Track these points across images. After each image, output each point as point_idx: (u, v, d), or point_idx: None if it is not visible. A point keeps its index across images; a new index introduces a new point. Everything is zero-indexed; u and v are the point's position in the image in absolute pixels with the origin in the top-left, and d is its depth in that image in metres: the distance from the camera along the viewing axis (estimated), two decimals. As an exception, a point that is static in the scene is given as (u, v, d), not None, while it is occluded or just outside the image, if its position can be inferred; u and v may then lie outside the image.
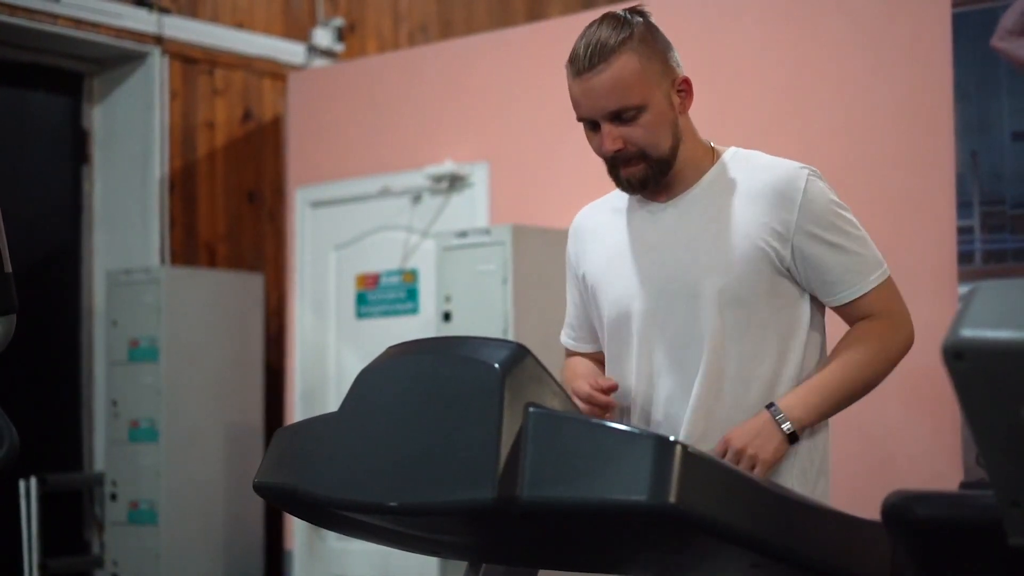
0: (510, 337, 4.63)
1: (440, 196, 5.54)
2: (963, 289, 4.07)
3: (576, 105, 2.35)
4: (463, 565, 2.28)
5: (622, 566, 2.19)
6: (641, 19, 2.34)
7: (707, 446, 2.30)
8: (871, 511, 1.83)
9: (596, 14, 2.39)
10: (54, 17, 5.66)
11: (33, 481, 5.38)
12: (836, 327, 2.43)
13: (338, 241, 5.87)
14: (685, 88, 2.37)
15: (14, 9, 5.54)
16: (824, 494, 2.39)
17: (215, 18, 6.20)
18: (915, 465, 4.21)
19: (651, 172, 2.35)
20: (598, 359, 2.56)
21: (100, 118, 6.16)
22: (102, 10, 5.78)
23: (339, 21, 6.55)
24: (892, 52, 4.39)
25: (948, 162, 4.18)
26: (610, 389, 2.35)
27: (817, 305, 2.40)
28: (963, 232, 4.12)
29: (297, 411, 5.85)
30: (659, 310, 2.37)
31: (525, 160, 5.32)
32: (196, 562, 5.68)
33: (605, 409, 2.35)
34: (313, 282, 5.94)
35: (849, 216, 2.37)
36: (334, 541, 5.62)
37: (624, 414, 2.42)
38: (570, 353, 2.64)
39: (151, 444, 5.59)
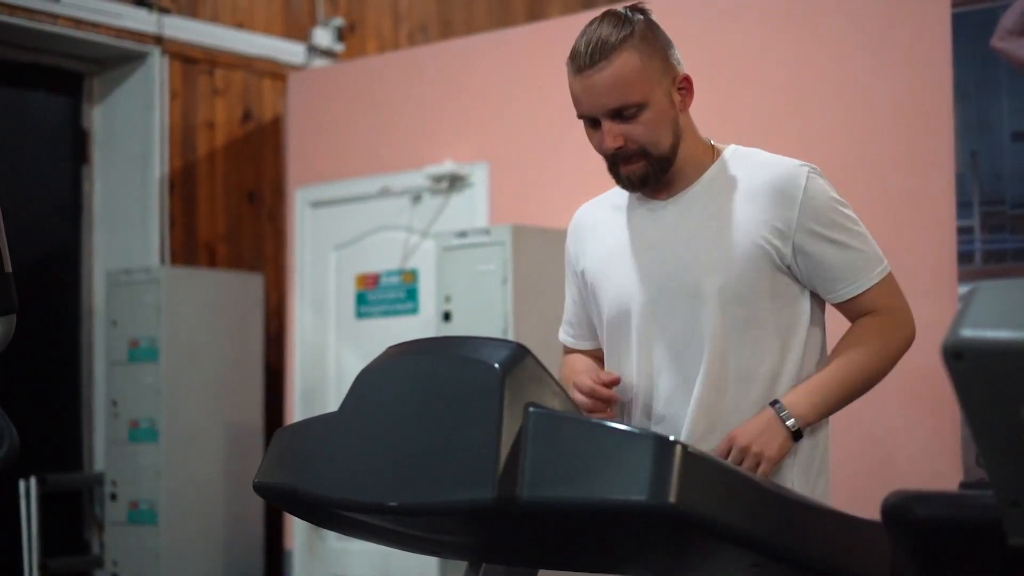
0: (510, 337, 4.63)
1: (440, 196, 5.54)
2: (963, 289, 4.07)
3: (577, 102, 2.35)
4: (463, 565, 2.28)
5: (622, 566, 2.19)
6: (642, 17, 2.34)
7: (709, 444, 2.31)
8: (871, 511, 1.83)
9: (596, 14, 2.39)
10: (54, 17, 5.66)
11: (33, 481, 5.38)
12: (836, 324, 2.43)
13: (338, 241, 5.87)
14: (686, 86, 2.37)
15: (14, 9, 5.54)
16: (824, 492, 2.39)
17: (215, 18, 6.20)
18: (915, 465, 4.21)
19: (651, 170, 2.35)
20: (597, 356, 2.56)
21: (100, 118, 6.16)
22: (102, 10, 5.78)
23: (339, 21, 6.55)
24: (892, 52, 4.39)
25: (948, 162, 4.18)
26: (612, 383, 2.36)
27: (817, 302, 2.40)
28: (963, 232, 4.12)
29: (297, 411, 5.85)
30: (659, 308, 2.37)
31: (525, 160, 5.32)
32: (196, 562, 5.68)
33: (607, 403, 2.35)
34: (313, 282, 5.94)
35: (850, 213, 2.37)
36: (334, 541, 5.62)
37: (624, 412, 2.42)
38: (568, 350, 2.64)
39: (151, 444, 5.59)
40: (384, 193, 5.71)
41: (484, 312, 4.78)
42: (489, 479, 1.84)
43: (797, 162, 2.37)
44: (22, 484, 5.37)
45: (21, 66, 5.91)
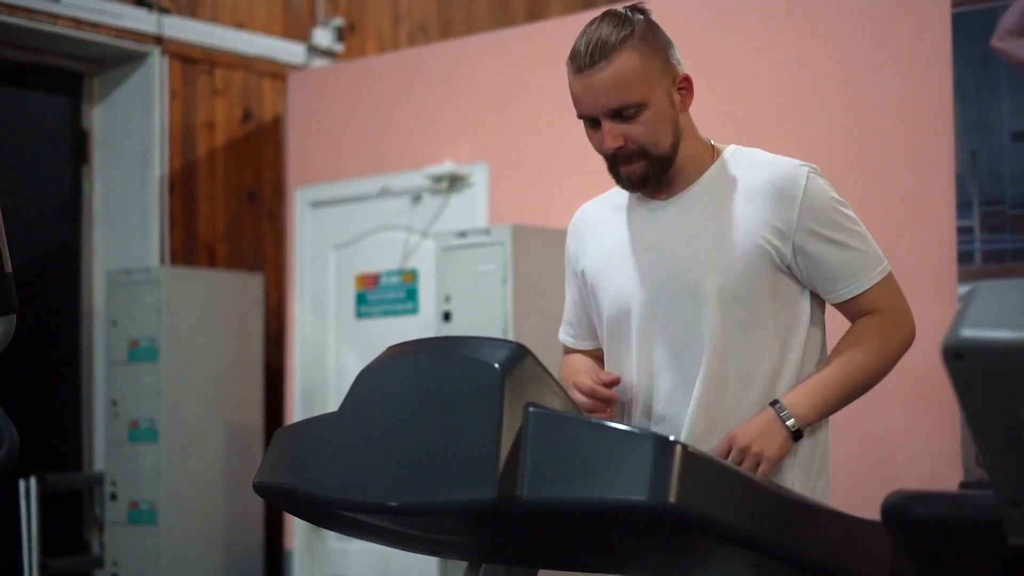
0: (510, 337, 4.63)
1: (440, 196, 5.54)
2: (963, 289, 4.07)
3: (577, 102, 2.35)
4: (463, 565, 2.28)
5: (622, 566, 2.19)
6: (642, 17, 2.34)
7: (710, 444, 2.31)
8: (871, 511, 1.83)
9: (596, 14, 2.39)
10: (54, 17, 5.66)
11: (33, 481, 5.38)
12: (837, 324, 2.43)
13: (338, 241, 5.87)
14: (686, 86, 2.37)
15: (14, 9, 5.54)
16: (824, 492, 2.39)
17: (215, 18, 6.20)
18: (915, 465, 4.21)
19: (651, 170, 2.35)
20: (597, 356, 2.56)
21: (100, 118, 6.16)
22: (102, 10, 5.78)
23: (339, 21, 6.55)
24: (892, 52, 4.39)
25: (948, 162, 4.18)
26: (612, 383, 2.36)
27: (817, 301, 2.40)
28: (963, 232, 4.12)
29: (297, 411, 5.85)
30: (659, 308, 2.37)
31: (525, 160, 5.32)
32: (196, 562, 5.68)
33: (607, 403, 2.35)
34: (313, 282, 5.94)
35: (850, 213, 2.38)
36: (334, 541, 5.62)
37: (624, 412, 2.42)
38: (568, 350, 2.64)
39: (151, 444, 5.59)
40: (384, 193, 5.71)
41: (484, 312, 4.78)
42: (489, 479, 1.84)
43: (797, 162, 2.38)
44: (22, 484, 5.37)
45: (21, 66, 5.91)
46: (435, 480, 1.90)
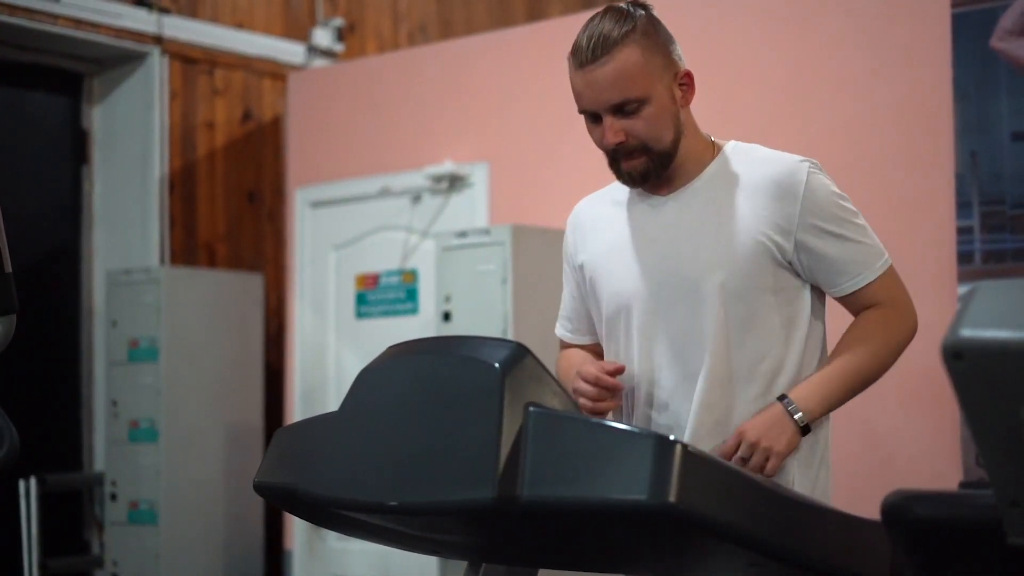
0: (510, 337, 4.63)
1: (440, 196, 5.54)
2: (963, 289, 4.07)
3: (578, 97, 2.35)
4: (463, 565, 2.28)
5: (622, 566, 2.19)
6: (644, 12, 2.34)
7: (714, 441, 2.31)
8: (871, 511, 1.83)
9: (596, 13, 2.39)
10: (54, 17, 5.66)
11: (33, 481, 5.38)
12: (837, 321, 2.44)
13: (338, 241, 5.87)
14: (687, 81, 2.37)
15: (14, 9, 5.54)
16: (825, 484, 2.39)
17: (215, 18, 6.20)
18: (915, 465, 4.21)
19: (652, 165, 2.35)
20: (594, 351, 2.56)
21: (100, 118, 6.16)
22: (102, 10, 5.78)
23: (339, 21, 6.55)
24: (892, 52, 4.39)
25: (948, 162, 4.18)
26: (617, 372, 2.35)
27: (818, 295, 2.41)
28: (963, 232, 4.12)
29: (297, 411, 5.85)
30: (660, 304, 2.37)
31: (525, 160, 5.32)
32: (196, 562, 5.68)
33: (612, 392, 2.35)
34: (313, 282, 5.94)
35: (850, 206, 2.38)
36: (334, 541, 5.62)
37: (625, 408, 2.42)
38: (565, 345, 2.64)
39: (151, 444, 5.59)
40: (384, 193, 5.71)
41: (484, 312, 4.78)
42: (489, 479, 1.84)
43: (797, 158, 2.38)
44: (22, 484, 5.37)
45: (21, 66, 5.91)
46: (435, 480, 1.90)
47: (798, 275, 2.37)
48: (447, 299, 4.90)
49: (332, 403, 5.54)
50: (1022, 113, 4.04)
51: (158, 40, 5.97)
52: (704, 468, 1.84)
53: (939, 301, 4.03)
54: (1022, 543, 1.44)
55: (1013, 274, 4.01)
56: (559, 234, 2.64)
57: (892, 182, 4.32)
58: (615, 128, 2.32)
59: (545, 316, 2.96)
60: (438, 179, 5.48)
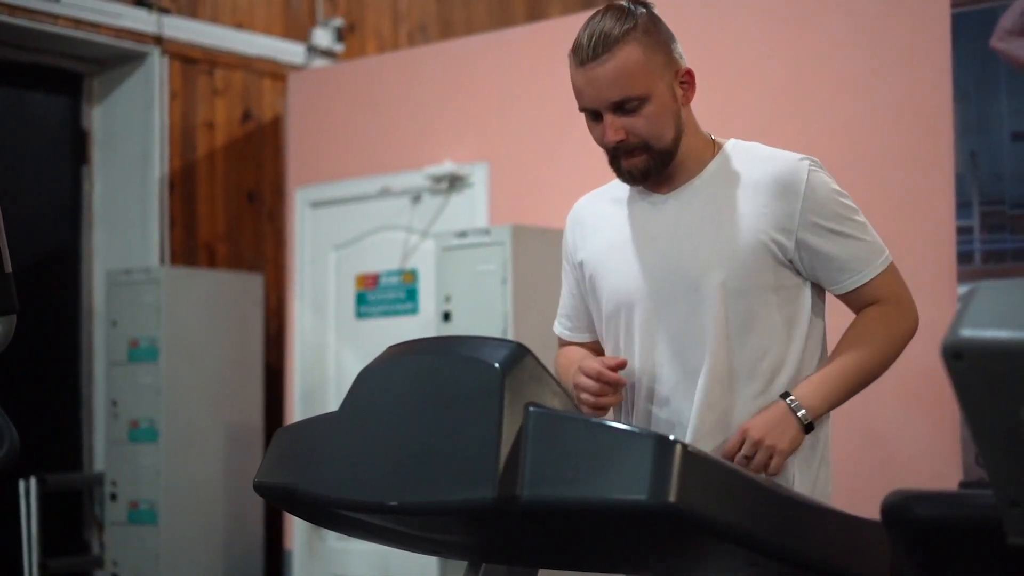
0: (510, 337, 4.63)
1: (440, 196, 5.54)
2: (963, 289, 4.07)
3: (579, 95, 2.35)
4: (463, 565, 2.28)
5: (622, 566, 2.19)
6: (644, 10, 2.34)
7: (716, 439, 2.31)
8: (871, 511, 1.83)
9: (596, 13, 2.39)
10: (54, 17, 5.66)
11: (33, 481, 5.38)
12: (837, 318, 2.43)
13: (338, 241, 5.87)
14: (688, 80, 2.37)
15: (14, 9, 5.54)
16: (826, 482, 2.39)
17: (215, 18, 6.20)
18: (915, 465, 4.21)
19: (653, 163, 2.35)
20: (593, 349, 2.56)
21: (100, 118, 6.16)
22: (102, 10, 5.79)
23: (339, 21, 6.55)
24: (892, 52, 4.39)
25: (948, 162, 4.18)
26: (619, 366, 2.35)
27: (818, 292, 2.41)
28: (963, 232, 4.12)
29: (297, 411, 5.85)
30: (661, 302, 2.37)
31: (525, 160, 5.32)
32: (196, 562, 5.68)
33: (614, 387, 2.35)
34: (313, 282, 5.94)
35: (851, 204, 2.38)
36: (334, 541, 5.62)
37: (625, 407, 2.42)
38: (563, 343, 2.63)
39: (151, 444, 5.59)
40: (384, 193, 5.71)
41: (484, 312, 4.78)
42: (489, 479, 1.84)
43: (798, 156, 2.38)
44: (22, 484, 5.37)
45: (21, 66, 5.91)
46: (435, 480, 1.90)
47: (799, 273, 2.37)
48: (447, 299, 4.90)
49: (332, 403, 5.54)
50: (1022, 113, 4.04)
51: (158, 40, 5.97)
52: (704, 468, 1.84)
53: (939, 301, 4.03)
54: (1022, 543, 1.44)
55: (1013, 274, 4.01)
56: (559, 234, 2.64)
57: (892, 182, 4.32)
58: (616, 126, 2.31)
59: (545, 316, 2.96)
60: (438, 179, 5.48)
